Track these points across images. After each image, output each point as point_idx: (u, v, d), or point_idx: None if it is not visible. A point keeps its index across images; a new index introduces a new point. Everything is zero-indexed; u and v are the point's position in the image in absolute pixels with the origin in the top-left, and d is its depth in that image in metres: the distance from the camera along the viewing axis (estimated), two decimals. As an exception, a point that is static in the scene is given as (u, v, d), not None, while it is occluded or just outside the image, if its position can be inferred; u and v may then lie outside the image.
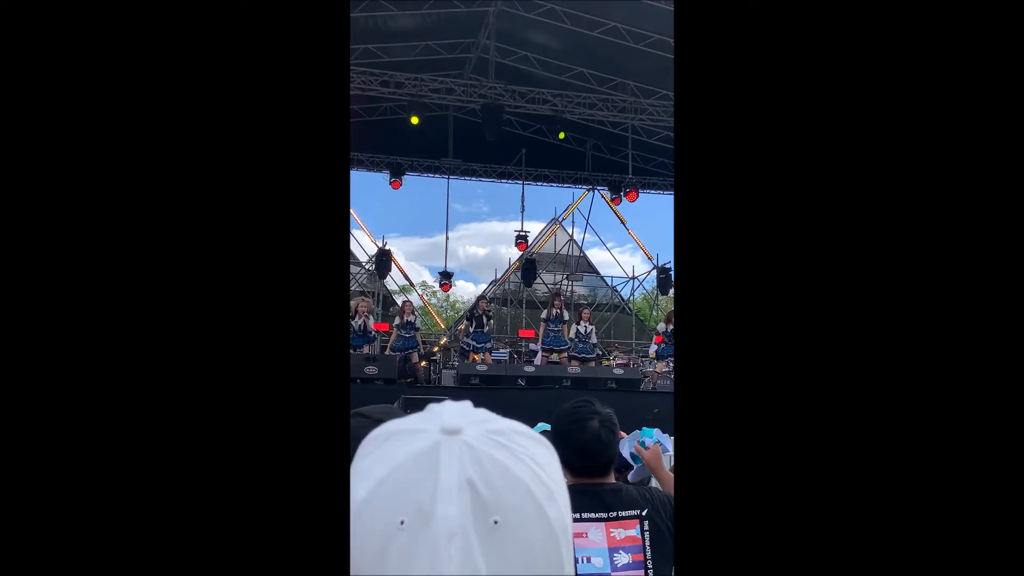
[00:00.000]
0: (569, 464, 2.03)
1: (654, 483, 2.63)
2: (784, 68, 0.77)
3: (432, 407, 0.57)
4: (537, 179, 15.61)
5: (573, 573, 0.55)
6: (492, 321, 11.21)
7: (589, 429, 1.98)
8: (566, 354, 10.75)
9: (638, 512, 1.97)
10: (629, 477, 2.49)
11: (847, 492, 0.70)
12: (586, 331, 10.94)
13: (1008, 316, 0.70)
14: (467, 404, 0.58)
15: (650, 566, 1.94)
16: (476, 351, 10.75)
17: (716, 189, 0.78)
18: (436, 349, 12.78)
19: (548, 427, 2.11)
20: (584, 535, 1.92)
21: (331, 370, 0.74)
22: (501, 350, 11.82)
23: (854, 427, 0.72)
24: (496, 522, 0.49)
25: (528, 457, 0.53)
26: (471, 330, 10.98)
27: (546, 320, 10.91)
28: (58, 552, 0.67)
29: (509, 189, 16.49)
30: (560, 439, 2.06)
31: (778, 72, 0.77)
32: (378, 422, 1.09)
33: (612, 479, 2.05)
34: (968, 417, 0.69)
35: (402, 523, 0.49)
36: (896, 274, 0.73)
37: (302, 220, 0.78)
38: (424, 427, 0.54)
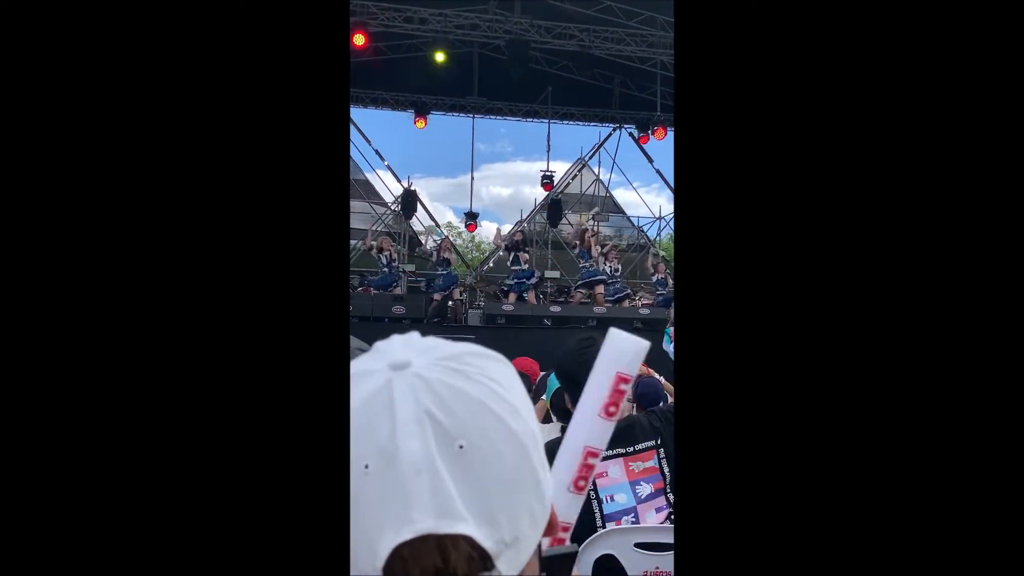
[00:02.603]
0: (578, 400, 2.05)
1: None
2: (784, 69, 0.75)
3: (378, 345, 0.56)
4: (563, 117, 15.37)
5: (549, 481, 0.55)
6: (526, 253, 10.97)
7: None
8: (602, 290, 10.63)
9: (653, 443, 2.00)
10: None
11: (851, 495, 0.70)
12: (612, 270, 10.88)
13: (1009, 317, 0.69)
14: (414, 335, 0.56)
15: (669, 491, 1.98)
16: (522, 290, 10.52)
17: (718, 190, 0.76)
18: (462, 290, 12.85)
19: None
20: (604, 474, 1.95)
21: (330, 340, 0.72)
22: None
23: (860, 428, 0.71)
24: (461, 447, 0.48)
25: (484, 376, 0.52)
26: (510, 266, 10.84)
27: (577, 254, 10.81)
28: (40, 534, 0.68)
29: (533, 128, 16.27)
30: (568, 379, 2.06)
31: (778, 73, 0.75)
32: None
33: (623, 412, 2.06)
34: (973, 420, 0.69)
35: (366, 467, 0.48)
36: (902, 280, 0.72)
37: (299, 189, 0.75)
38: (372, 367, 0.52)
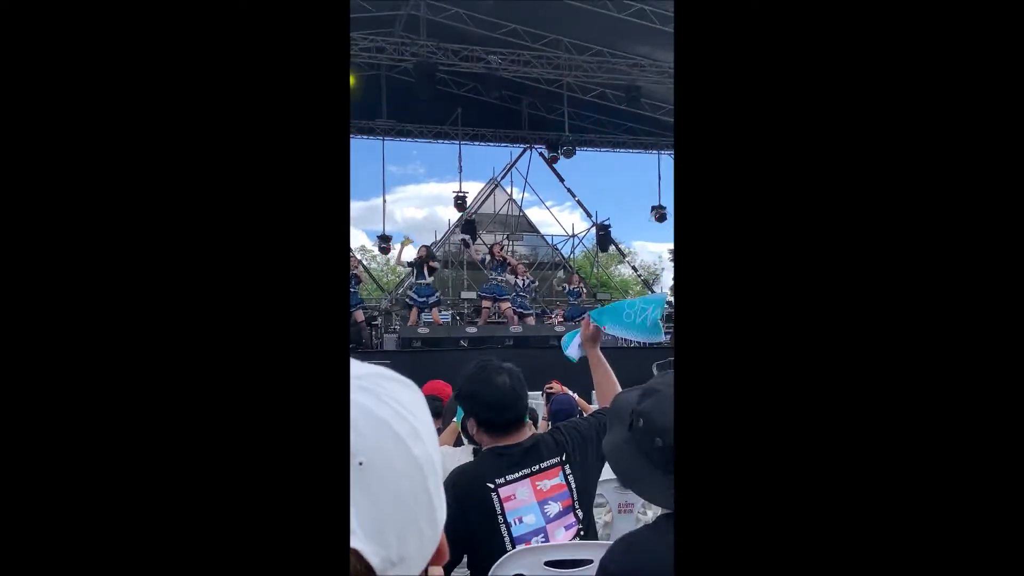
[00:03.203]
0: (484, 423, 2.03)
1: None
2: (785, 69, 0.75)
3: None
4: (474, 138, 15.47)
5: (443, 508, 0.57)
6: (434, 266, 10.85)
7: (497, 384, 1.98)
8: (509, 305, 10.67)
9: (558, 459, 2.00)
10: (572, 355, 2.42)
11: (853, 497, 0.70)
12: (525, 284, 10.95)
13: (1010, 318, 0.69)
14: None
15: (576, 507, 1.98)
16: (420, 306, 10.39)
17: (718, 194, 0.75)
18: (377, 314, 12.67)
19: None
20: (512, 496, 1.93)
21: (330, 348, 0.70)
22: (443, 312, 11.75)
23: (862, 433, 0.70)
24: (361, 463, 0.50)
25: (391, 399, 0.54)
26: (413, 280, 10.73)
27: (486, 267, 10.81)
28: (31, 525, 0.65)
29: (445, 149, 16.28)
30: (471, 401, 2.05)
31: (779, 74, 0.75)
32: None
33: (528, 432, 2.05)
34: (977, 421, 0.69)
35: None
36: (904, 281, 0.72)
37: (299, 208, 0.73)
38: None
